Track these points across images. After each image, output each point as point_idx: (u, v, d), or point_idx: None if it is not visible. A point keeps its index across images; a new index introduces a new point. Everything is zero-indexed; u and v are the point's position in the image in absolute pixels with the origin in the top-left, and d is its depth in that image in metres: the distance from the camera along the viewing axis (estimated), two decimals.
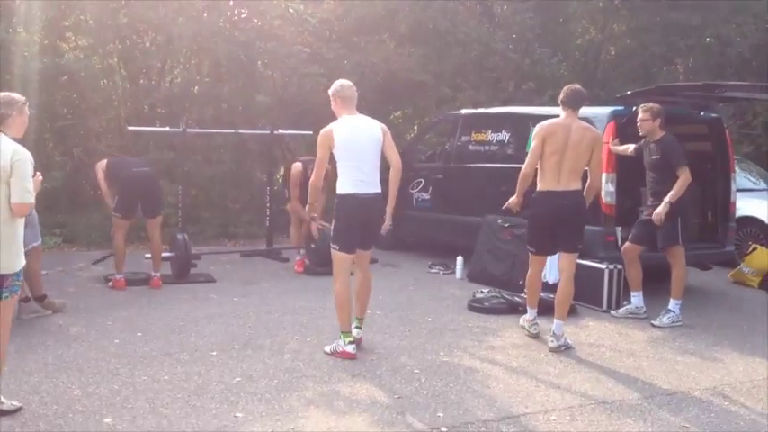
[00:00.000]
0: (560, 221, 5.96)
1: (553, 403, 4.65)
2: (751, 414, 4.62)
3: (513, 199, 6.28)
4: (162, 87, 12.04)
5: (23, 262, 4.26)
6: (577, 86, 6.24)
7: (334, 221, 5.62)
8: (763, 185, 11.02)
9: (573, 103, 6.09)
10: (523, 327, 6.37)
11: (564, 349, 5.84)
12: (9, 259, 4.10)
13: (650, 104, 6.85)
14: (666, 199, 6.62)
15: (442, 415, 4.39)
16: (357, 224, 5.54)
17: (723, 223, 8.33)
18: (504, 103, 12.12)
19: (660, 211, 6.60)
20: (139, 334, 5.93)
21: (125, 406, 4.34)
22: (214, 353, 5.48)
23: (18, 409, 4.19)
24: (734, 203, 8.38)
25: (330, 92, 5.71)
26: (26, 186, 4.12)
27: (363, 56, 12.73)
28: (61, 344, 5.58)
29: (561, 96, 6.16)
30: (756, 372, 5.47)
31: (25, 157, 4.16)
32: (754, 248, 8.91)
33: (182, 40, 11.74)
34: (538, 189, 6.01)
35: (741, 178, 11.00)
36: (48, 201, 10.66)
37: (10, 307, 4.25)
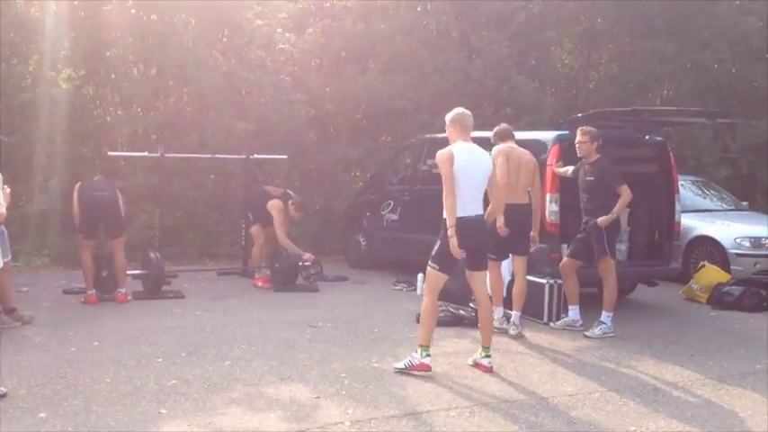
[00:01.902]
0: (517, 230, 6.99)
1: (457, 402, 5.06)
2: (639, 414, 5.00)
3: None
4: (150, 115, 12.58)
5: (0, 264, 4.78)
6: (505, 125, 7.67)
7: (438, 242, 5.80)
8: (723, 206, 11.36)
9: (510, 136, 7.46)
10: (503, 328, 7.10)
11: (520, 336, 6.94)
12: None
13: (587, 128, 7.29)
14: (615, 209, 7.05)
15: (350, 412, 4.81)
16: (466, 246, 5.70)
17: (668, 241, 8.70)
18: (482, 128, 12.56)
19: (605, 219, 7.00)
20: (96, 343, 6.39)
21: (62, 404, 4.80)
22: (160, 360, 5.92)
23: (4, 395, 4.84)
24: (679, 223, 8.74)
25: (449, 118, 5.99)
26: None
27: (345, 83, 13.24)
28: (22, 351, 6.06)
29: (501, 133, 7.48)
30: (661, 375, 5.87)
31: None
32: (702, 266, 9.29)
33: (169, 69, 12.33)
34: None
35: (702, 199, 11.41)
36: (37, 223, 11.31)
37: None
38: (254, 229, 9.82)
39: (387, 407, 4.92)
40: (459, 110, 6.05)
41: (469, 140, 5.97)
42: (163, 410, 4.72)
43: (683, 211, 9.23)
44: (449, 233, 5.66)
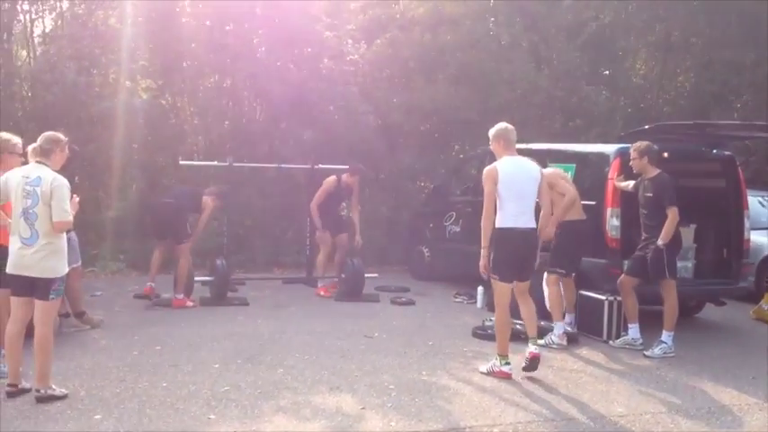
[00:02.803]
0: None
1: (502, 419, 5.06)
2: None
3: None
4: (224, 124, 12.96)
5: (67, 268, 5.20)
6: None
7: (493, 253, 6.01)
8: None
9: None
10: (554, 343, 7.12)
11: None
12: (56, 266, 5.07)
13: (638, 143, 7.18)
14: (659, 243, 6.90)
15: (394, 424, 4.87)
16: (516, 256, 6.01)
17: (737, 259, 8.43)
18: (550, 140, 12.47)
19: (661, 242, 6.88)
20: (158, 348, 6.64)
21: (117, 406, 5.02)
22: (216, 365, 6.12)
23: (65, 396, 5.10)
24: (748, 240, 8.48)
25: (492, 133, 6.22)
26: (64, 207, 5.04)
27: (412, 94, 13.35)
28: (87, 354, 6.35)
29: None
30: (719, 398, 5.72)
31: (62, 183, 5.07)
32: None
33: (242, 80, 12.69)
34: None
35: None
36: (114, 229, 11.78)
37: (56, 307, 5.30)
38: (321, 235, 9.95)
39: (430, 420, 4.96)
40: (501, 125, 6.22)
41: (515, 154, 6.13)
42: (212, 416, 4.89)
43: (756, 229, 8.99)
44: (482, 253, 5.95)
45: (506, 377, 5.99)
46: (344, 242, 10.06)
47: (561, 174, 7.67)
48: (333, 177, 9.97)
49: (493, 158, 9.57)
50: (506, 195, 5.95)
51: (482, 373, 6.11)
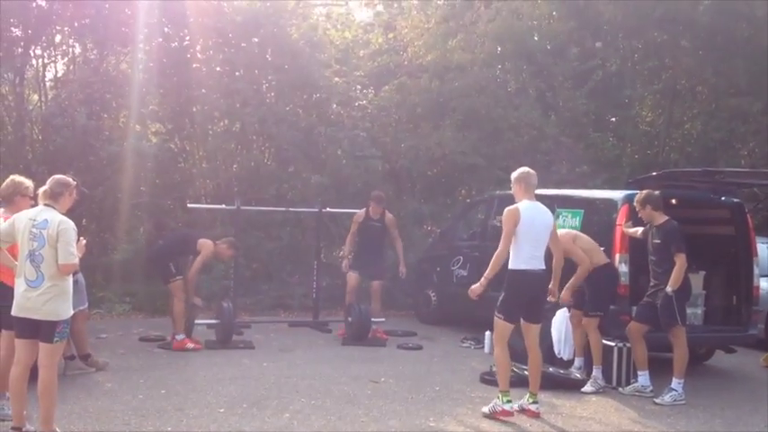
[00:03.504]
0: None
1: None
2: None
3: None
4: (232, 168, 13.04)
5: (71, 311, 5.17)
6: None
7: (503, 293, 6.17)
8: None
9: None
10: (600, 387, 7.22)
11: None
12: (61, 308, 5.04)
13: (639, 194, 7.23)
14: (668, 290, 6.87)
15: None
16: (525, 298, 6.17)
17: (747, 306, 8.37)
18: (557, 186, 12.50)
19: (670, 289, 6.85)
20: (163, 391, 6.58)
21: None
22: (222, 410, 6.05)
23: None
24: (757, 287, 8.42)
25: (515, 176, 6.39)
26: (70, 250, 5.03)
27: (419, 139, 13.44)
28: (92, 397, 6.30)
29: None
30: None
31: (69, 226, 5.07)
32: None
33: (251, 125, 12.79)
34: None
35: None
36: (121, 271, 11.79)
37: (60, 349, 5.25)
38: (347, 273, 10.06)
39: None
40: (524, 169, 6.40)
41: (533, 198, 6.30)
42: None
43: (765, 276, 8.95)
44: (481, 281, 6.16)
45: (509, 416, 6.02)
46: (375, 289, 10.01)
47: (572, 236, 7.59)
48: (362, 210, 10.06)
49: (502, 203, 9.63)
50: (524, 238, 6.11)
51: (485, 414, 6.14)
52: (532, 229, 6.12)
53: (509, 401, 6.13)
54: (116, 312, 11.18)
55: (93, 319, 9.84)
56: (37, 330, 4.99)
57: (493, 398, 6.62)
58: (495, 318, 6.24)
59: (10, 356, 5.18)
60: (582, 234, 7.69)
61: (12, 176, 5.73)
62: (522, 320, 6.29)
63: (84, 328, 7.28)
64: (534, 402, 6.29)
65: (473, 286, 6.30)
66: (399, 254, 10.22)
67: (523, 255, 6.10)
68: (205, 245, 8.84)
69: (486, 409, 6.19)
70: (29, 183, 5.67)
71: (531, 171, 6.40)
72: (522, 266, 6.10)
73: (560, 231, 7.33)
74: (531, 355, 6.34)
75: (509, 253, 6.15)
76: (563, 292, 7.26)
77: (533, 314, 6.29)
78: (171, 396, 6.43)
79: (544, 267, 6.27)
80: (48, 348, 5.00)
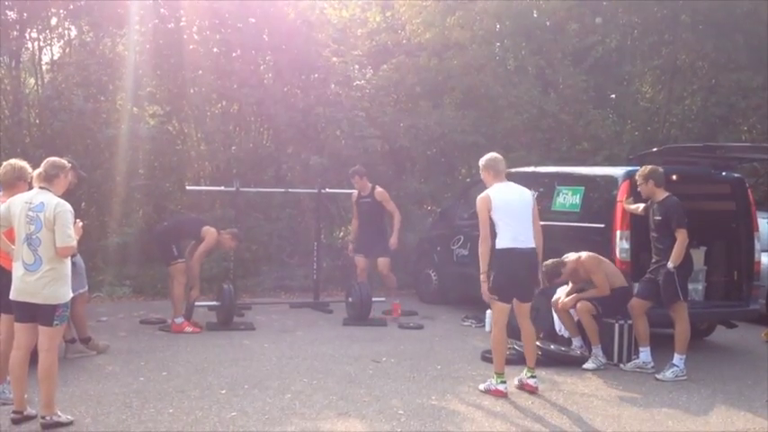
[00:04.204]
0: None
1: None
2: None
3: None
4: (230, 150, 12.98)
5: (71, 294, 5.16)
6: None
7: (494, 274, 6.16)
8: None
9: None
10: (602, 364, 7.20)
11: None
12: (59, 292, 5.03)
13: (642, 168, 7.17)
14: (669, 266, 6.84)
15: None
16: (515, 276, 6.15)
17: (748, 281, 8.35)
18: (557, 163, 12.46)
19: (672, 264, 6.83)
20: (164, 373, 6.58)
21: None
22: (223, 391, 6.05)
23: (71, 422, 5.04)
24: (758, 262, 8.40)
25: (482, 163, 6.44)
26: (67, 233, 5.01)
27: (418, 118, 13.37)
28: (92, 380, 6.29)
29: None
30: (732, 423, 5.61)
31: (65, 209, 5.04)
32: None
33: (249, 106, 12.73)
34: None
35: None
36: (121, 255, 11.76)
37: (60, 333, 5.27)
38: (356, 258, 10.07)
39: None
40: (491, 155, 6.50)
41: (504, 180, 6.35)
42: None
43: (766, 250, 8.91)
44: (481, 278, 6.13)
45: (501, 395, 6.08)
46: (380, 267, 9.95)
47: (598, 260, 7.48)
48: (356, 190, 10.00)
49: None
50: (503, 220, 6.13)
51: (480, 390, 6.22)
52: (508, 208, 6.14)
53: (503, 382, 6.16)
54: (116, 295, 11.17)
55: (94, 303, 9.84)
56: (36, 314, 4.98)
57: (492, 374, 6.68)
58: (490, 300, 6.26)
59: (10, 340, 5.17)
60: (605, 259, 7.60)
61: (11, 161, 5.68)
62: (514, 300, 6.29)
63: (84, 312, 7.27)
64: (532, 377, 6.32)
65: (483, 289, 6.25)
66: (394, 226, 10.04)
67: (507, 235, 6.10)
68: (209, 233, 8.81)
69: (481, 387, 6.28)
70: (29, 167, 5.63)
71: (498, 156, 6.46)
72: (508, 245, 6.08)
73: (586, 255, 7.41)
74: (524, 331, 6.38)
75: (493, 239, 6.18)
76: (568, 299, 7.43)
77: (523, 293, 6.30)
78: (172, 378, 6.43)
79: (533, 246, 6.22)
80: (48, 332, 5.00)
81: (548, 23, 14.93)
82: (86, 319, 7.36)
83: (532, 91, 13.81)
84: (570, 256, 7.50)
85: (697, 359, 7.39)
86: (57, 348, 5.15)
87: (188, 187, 11.12)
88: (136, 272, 11.75)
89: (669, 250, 6.89)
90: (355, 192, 10.16)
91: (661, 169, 7.16)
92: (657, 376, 6.90)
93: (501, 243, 6.11)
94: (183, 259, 8.74)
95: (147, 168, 12.79)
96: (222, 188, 10.84)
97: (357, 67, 13.56)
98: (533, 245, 6.22)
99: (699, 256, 8.18)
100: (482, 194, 6.24)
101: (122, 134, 11.77)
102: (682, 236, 6.84)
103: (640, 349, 7.24)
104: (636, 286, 7.43)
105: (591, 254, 7.50)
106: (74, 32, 13.07)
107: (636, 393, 6.42)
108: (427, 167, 14.02)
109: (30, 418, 5.09)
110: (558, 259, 7.44)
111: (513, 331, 6.99)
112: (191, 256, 8.87)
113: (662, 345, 7.23)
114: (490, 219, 6.13)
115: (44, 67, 13.04)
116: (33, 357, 5.09)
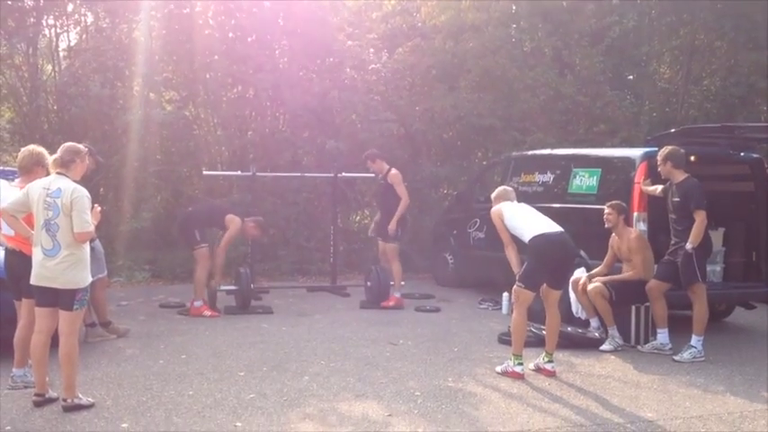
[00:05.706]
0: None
1: (531, 425, 4.99)
2: None
3: None
4: (247, 135, 13.02)
5: (90, 279, 5.21)
6: None
7: (526, 264, 6.27)
8: None
9: None
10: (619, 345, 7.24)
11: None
12: (79, 276, 5.08)
13: (663, 149, 7.10)
14: (688, 247, 6.80)
15: (420, 430, 4.83)
16: (551, 261, 6.25)
17: (766, 262, 8.29)
18: (574, 145, 12.40)
19: (690, 245, 6.78)
20: (183, 356, 6.64)
21: (144, 414, 5.02)
22: (242, 373, 6.11)
23: (92, 405, 5.11)
24: None
25: (493, 196, 6.79)
26: (85, 218, 5.05)
27: (434, 102, 13.33)
28: (113, 363, 6.37)
29: None
30: (751, 404, 5.59)
31: (82, 194, 5.06)
32: None
33: (264, 91, 12.74)
34: None
35: None
36: (139, 239, 11.85)
37: (80, 317, 5.31)
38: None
39: (457, 427, 4.91)
40: (501, 188, 6.93)
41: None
42: (238, 423, 4.87)
43: None
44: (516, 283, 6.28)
45: (518, 377, 6.12)
46: (381, 252, 9.83)
47: (645, 243, 7.49)
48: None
49: (518, 164, 9.56)
50: (521, 220, 6.42)
51: (497, 372, 6.26)
52: (521, 210, 6.54)
53: (520, 364, 6.20)
54: (136, 280, 11.27)
55: (114, 287, 9.95)
56: (56, 298, 5.04)
57: (508, 357, 6.68)
58: (516, 287, 6.27)
59: (30, 325, 5.23)
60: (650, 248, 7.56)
61: (30, 146, 5.74)
62: (545, 285, 6.33)
63: (104, 296, 7.36)
64: (550, 362, 6.34)
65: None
66: (397, 211, 9.33)
67: (532, 228, 6.27)
68: (233, 221, 8.87)
69: (498, 369, 6.31)
70: (47, 153, 5.68)
71: (509, 188, 6.91)
72: (539, 232, 6.22)
73: (638, 232, 7.42)
74: (550, 317, 6.41)
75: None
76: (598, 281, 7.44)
77: (557, 280, 6.38)
78: (192, 361, 6.49)
79: (562, 229, 6.34)
80: (68, 316, 5.05)
81: (564, 4, 14.79)
82: (106, 303, 7.45)
83: (549, 73, 13.71)
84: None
85: (715, 340, 7.37)
86: (77, 332, 5.21)
87: (205, 172, 11.18)
88: (154, 256, 11.83)
89: (688, 231, 6.84)
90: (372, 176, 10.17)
91: (682, 150, 7.10)
92: (675, 357, 6.89)
93: (531, 234, 6.23)
94: (206, 244, 8.79)
95: (164, 154, 12.87)
96: (239, 173, 10.88)
97: (372, 50, 13.51)
98: (561, 228, 6.34)
99: (717, 237, 8.13)
100: (495, 208, 6.57)
101: (139, 120, 11.80)
102: (700, 217, 6.80)
103: (658, 331, 7.22)
104: (654, 268, 7.41)
105: (642, 235, 7.49)
106: (90, 18, 13.13)
107: (653, 375, 6.40)
108: (443, 151, 14.01)
109: (52, 400, 5.17)
110: None
111: (531, 314, 7.07)
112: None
113: (680, 326, 7.20)
114: (507, 228, 6.39)
115: (61, 54, 13.10)
116: (54, 341, 5.15)
